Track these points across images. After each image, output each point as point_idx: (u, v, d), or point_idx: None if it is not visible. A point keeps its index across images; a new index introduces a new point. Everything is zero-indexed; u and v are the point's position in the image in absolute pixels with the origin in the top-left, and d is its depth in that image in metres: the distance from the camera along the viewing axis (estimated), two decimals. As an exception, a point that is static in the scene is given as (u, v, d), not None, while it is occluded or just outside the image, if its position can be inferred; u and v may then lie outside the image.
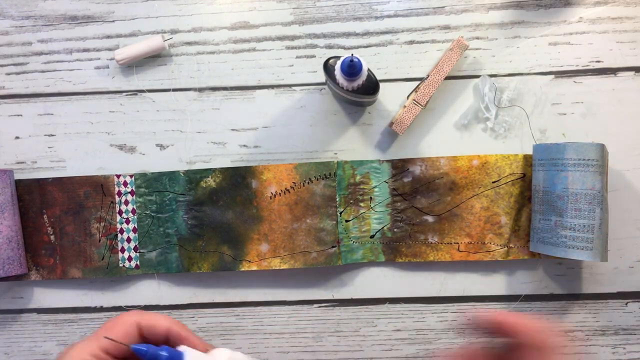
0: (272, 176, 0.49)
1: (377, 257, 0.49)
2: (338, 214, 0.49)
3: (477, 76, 0.50)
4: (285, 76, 0.51)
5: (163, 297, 0.51)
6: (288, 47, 0.51)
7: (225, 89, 0.51)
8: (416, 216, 0.49)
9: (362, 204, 0.49)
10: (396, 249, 0.49)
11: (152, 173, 0.50)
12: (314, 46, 0.51)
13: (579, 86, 0.50)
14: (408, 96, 0.50)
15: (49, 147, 0.52)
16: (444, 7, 0.50)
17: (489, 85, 0.49)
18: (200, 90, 0.51)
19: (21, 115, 0.52)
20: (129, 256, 0.50)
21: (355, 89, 0.44)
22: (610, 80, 0.49)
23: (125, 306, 0.51)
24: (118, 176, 0.50)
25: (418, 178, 0.49)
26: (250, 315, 0.51)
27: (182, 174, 0.50)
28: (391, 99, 0.50)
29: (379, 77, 0.46)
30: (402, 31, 0.51)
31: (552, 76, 0.50)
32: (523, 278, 0.49)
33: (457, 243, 0.48)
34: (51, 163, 0.52)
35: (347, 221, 0.49)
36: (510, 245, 0.48)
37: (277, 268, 0.49)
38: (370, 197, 0.49)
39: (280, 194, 0.49)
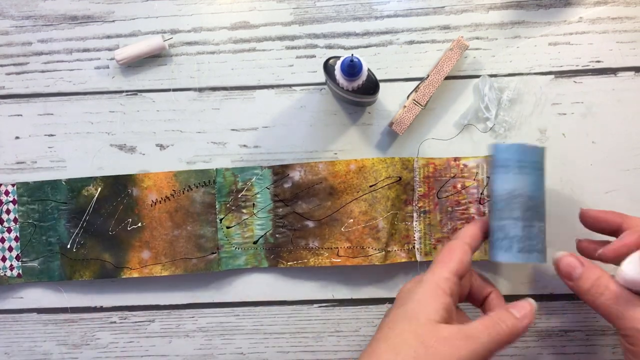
0: (153, 184, 0.49)
1: (260, 263, 0.50)
2: (218, 220, 0.49)
3: (477, 76, 0.50)
4: (285, 76, 0.51)
5: (163, 297, 0.51)
6: (288, 47, 0.51)
7: (225, 89, 0.51)
8: (297, 221, 0.49)
9: (244, 210, 0.49)
10: (278, 254, 0.49)
11: (35, 182, 0.51)
12: (314, 46, 0.51)
13: (579, 86, 0.50)
14: (408, 96, 0.50)
15: (49, 147, 0.52)
16: (444, 7, 0.50)
17: (489, 85, 0.49)
18: (200, 90, 0.51)
19: (21, 115, 0.52)
20: (11, 265, 0.50)
21: (355, 89, 0.44)
22: (610, 80, 0.49)
23: (124, 306, 0.51)
24: None
25: (298, 183, 0.49)
26: (250, 315, 0.51)
27: (63, 183, 0.50)
28: (391, 99, 0.50)
29: (379, 77, 0.46)
30: (402, 31, 0.51)
31: (552, 76, 0.50)
32: (522, 278, 0.49)
33: (337, 248, 0.48)
34: (51, 163, 0.52)
35: (228, 227, 0.49)
36: (388, 249, 0.48)
37: (159, 275, 0.49)
38: (253, 204, 0.49)
39: (160, 201, 0.49)
